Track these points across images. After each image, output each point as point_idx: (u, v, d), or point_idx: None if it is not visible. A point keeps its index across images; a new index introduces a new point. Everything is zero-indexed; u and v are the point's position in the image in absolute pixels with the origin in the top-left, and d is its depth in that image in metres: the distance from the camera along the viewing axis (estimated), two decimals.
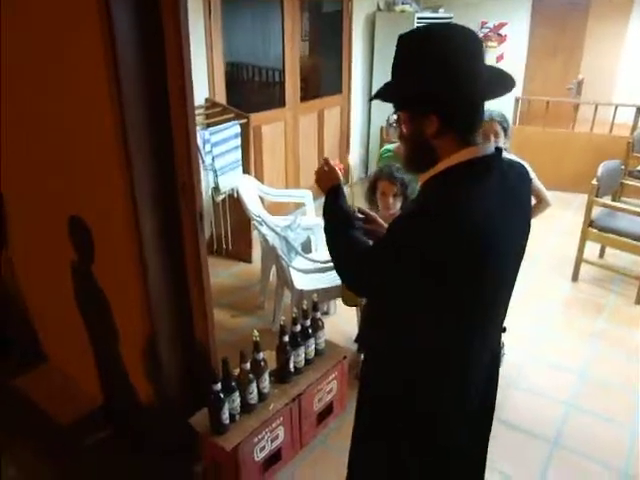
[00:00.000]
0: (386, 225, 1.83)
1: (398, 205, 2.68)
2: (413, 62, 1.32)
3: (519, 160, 1.49)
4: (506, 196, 1.35)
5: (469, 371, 1.50)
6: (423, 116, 1.32)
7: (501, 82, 1.36)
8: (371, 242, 1.57)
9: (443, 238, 1.24)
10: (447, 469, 1.66)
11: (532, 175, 2.91)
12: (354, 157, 6.53)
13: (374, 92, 1.41)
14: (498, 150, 1.38)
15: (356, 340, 3.25)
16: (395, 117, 1.56)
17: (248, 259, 4.66)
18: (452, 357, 1.45)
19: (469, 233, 1.24)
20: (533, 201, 2.94)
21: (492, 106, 2.92)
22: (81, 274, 2.47)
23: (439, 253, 1.25)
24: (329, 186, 1.69)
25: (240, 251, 4.67)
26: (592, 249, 4.53)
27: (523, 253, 1.50)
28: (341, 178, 1.72)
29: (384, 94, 1.39)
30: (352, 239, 1.55)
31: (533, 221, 1.54)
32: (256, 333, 2.37)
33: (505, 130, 2.86)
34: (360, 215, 1.78)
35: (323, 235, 1.66)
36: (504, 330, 1.64)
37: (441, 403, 1.51)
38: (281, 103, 5.32)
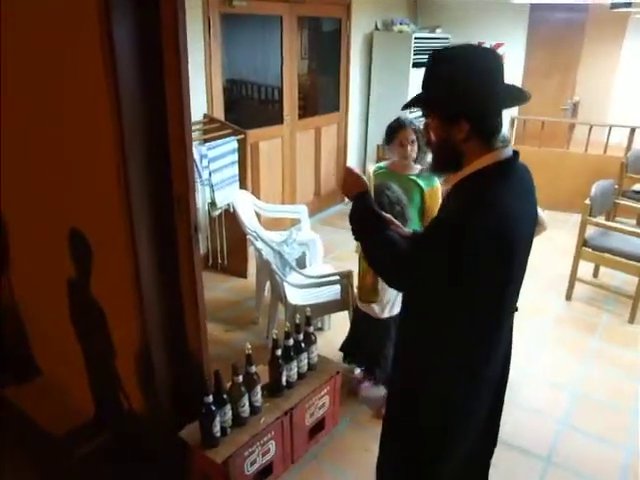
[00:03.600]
0: (402, 227, 2.05)
1: None
2: (448, 74, 1.47)
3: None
4: (524, 195, 1.55)
5: (493, 350, 1.66)
6: (454, 122, 1.47)
7: (519, 93, 1.56)
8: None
9: (482, 234, 1.39)
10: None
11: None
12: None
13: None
14: (516, 153, 1.55)
15: (341, 349, 3.25)
16: (422, 125, 1.67)
17: (243, 274, 4.67)
18: (481, 347, 1.61)
19: (502, 229, 1.41)
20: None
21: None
22: (78, 288, 2.48)
23: (478, 248, 1.40)
24: (356, 192, 1.77)
25: (235, 266, 4.68)
26: (586, 268, 4.55)
27: (531, 247, 1.65)
28: (367, 184, 1.80)
29: (420, 102, 1.56)
30: (393, 238, 1.65)
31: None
32: (249, 346, 2.37)
33: (518, 154, 2.90)
34: None
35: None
36: (517, 309, 1.76)
37: (474, 382, 1.65)
38: (279, 120, 5.36)
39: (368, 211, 1.74)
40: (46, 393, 2.90)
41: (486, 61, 1.48)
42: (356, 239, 1.77)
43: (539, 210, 2.95)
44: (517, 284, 1.65)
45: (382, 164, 3.09)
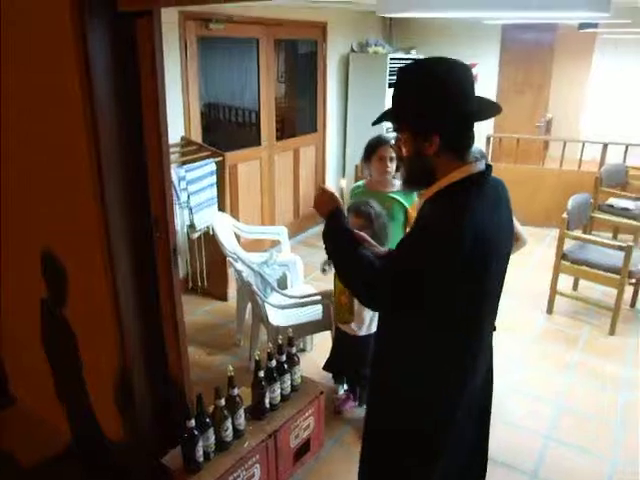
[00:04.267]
0: (376, 245, 2.05)
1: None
2: (417, 89, 1.47)
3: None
4: (497, 206, 1.53)
5: (476, 362, 1.63)
6: (425, 136, 1.46)
7: (490, 106, 1.56)
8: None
9: (460, 243, 1.38)
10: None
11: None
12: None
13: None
14: (488, 167, 1.53)
15: (325, 368, 3.23)
16: (393, 140, 1.66)
17: (224, 297, 4.62)
18: (458, 362, 1.59)
19: (480, 237, 1.40)
20: None
21: None
22: (50, 313, 2.43)
23: (456, 256, 1.38)
24: (329, 210, 1.74)
25: (216, 289, 4.64)
26: (566, 282, 4.60)
27: (508, 261, 1.64)
28: (341, 202, 1.78)
29: (390, 116, 1.55)
30: (365, 256, 1.60)
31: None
32: (231, 368, 2.34)
33: (491, 167, 2.94)
34: None
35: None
36: (494, 329, 1.75)
37: (455, 395, 1.61)
38: (257, 142, 5.37)
39: (341, 229, 1.70)
40: (19, 422, 2.83)
41: (455, 74, 1.46)
42: (329, 258, 1.74)
43: (517, 225, 2.99)
44: (494, 299, 1.64)
45: (360, 183, 3.10)
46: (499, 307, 1.72)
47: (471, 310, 1.53)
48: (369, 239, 1.99)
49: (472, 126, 1.51)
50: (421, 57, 6.35)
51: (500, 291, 1.66)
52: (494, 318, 1.72)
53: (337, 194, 1.79)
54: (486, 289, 1.54)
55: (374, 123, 1.63)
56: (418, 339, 1.58)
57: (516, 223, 2.97)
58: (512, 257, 1.67)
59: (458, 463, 1.77)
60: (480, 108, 1.51)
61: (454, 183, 1.48)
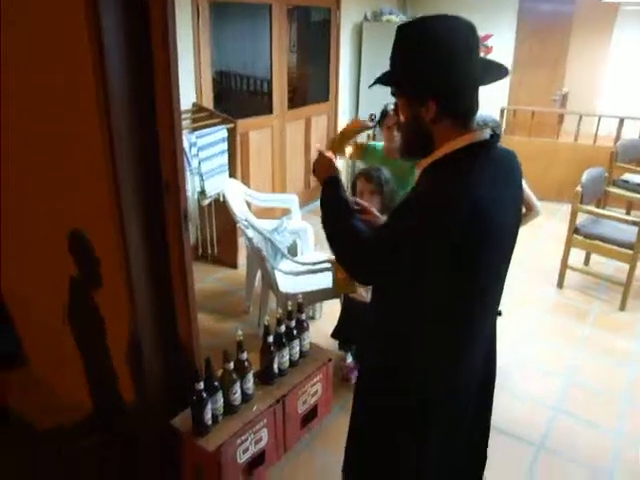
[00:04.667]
0: (381, 216, 1.88)
1: (376, 204, 2.65)
2: (412, 49, 1.37)
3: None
4: (502, 180, 1.41)
5: (470, 350, 1.53)
6: (421, 101, 1.36)
7: (495, 69, 1.43)
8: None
9: (446, 220, 1.27)
10: (446, 462, 1.66)
11: (522, 182, 2.94)
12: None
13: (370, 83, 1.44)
14: (493, 136, 1.43)
15: (333, 335, 3.24)
16: (392, 106, 1.56)
17: (234, 264, 4.63)
18: (451, 338, 1.47)
19: (471, 215, 1.27)
20: (523, 209, 2.99)
21: (483, 112, 2.97)
22: (80, 291, 2.40)
23: (442, 234, 1.28)
24: (326, 176, 1.67)
25: (226, 256, 4.64)
26: (577, 256, 4.56)
27: (515, 239, 1.53)
28: (338, 169, 1.71)
29: (384, 79, 1.43)
30: (355, 226, 1.53)
31: (520, 229, 1.58)
32: (240, 332, 2.34)
33: (497, 136, 2.91)
34: (356, 207, 1.78)
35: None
36: (499, 314, 1.67)
37: (437, 388, 1.51)
38: (268, 110, 5.32)
39: (334, 198, 1.62)
40: (31, 385, 2.85)
41: (457, 34, 1.33)
42: (323, 227, 1.62)
43: (530, 194, 2.96)
44: (493, 286, 1.51)
45: (378, 145, 3.06)
46: (505, 284, 1.58)
47: (463, 296, 1.41)
48: (374, 210, 1.88)
49: (475, 91, 1.38)
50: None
51: (504, 275, 1.54)
52: (496, 305, 1.60)
53: (335, 161, 1.72)
54: (483, 273, 1.40)
55: (370, 86, 1.54)
56: (408, 324, 1.49)
57: (528, 192, 2.96)
58: (523, 229, 1.59)
59: (456, 444, 1.67)
60: (485, 70, 1.38)
61: (453, 152, 1.37)
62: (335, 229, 1.58)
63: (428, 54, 1.33)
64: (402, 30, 1.39)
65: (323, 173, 1.69)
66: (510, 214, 1.45)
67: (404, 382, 1.53)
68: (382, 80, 1.43)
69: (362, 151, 3.16)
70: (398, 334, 1.53)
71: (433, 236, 1.29)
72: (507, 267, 1.53)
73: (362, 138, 5.36)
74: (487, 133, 1.41)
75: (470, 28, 1.35)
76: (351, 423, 1.83)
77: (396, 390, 1.54)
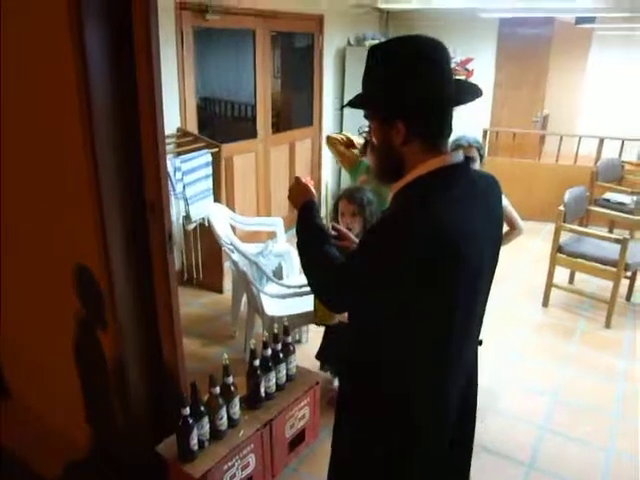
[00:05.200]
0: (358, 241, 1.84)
1: (357, 226, 2.64)
2: (380, 70, 1.34)
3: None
4: (476, 204, 1.36)
5: (447, 380, 1.47)
6: (390, 124, 1.33)
7: (469, 90, 1.40)
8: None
9: (414, 244, 1.23)
10: None
11: (505, 201, 2.96)
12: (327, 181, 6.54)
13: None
14: (467, 159, 1.40)
15: (317, 356, 3.22)
16: (366, 128, 1.55)
17: (219, 289, 4.61)
18: (430, 363, 1.42)
19: (440, 239, 1.23)
20: (505, 228, 3.00)
21: (468, 133, 2.99)
22: (87, 328, 2.36)
23: (411, 259, 1.24)
24: (302, 202, 1.66)
25: (211, 281, 4.62)
26: (562, 275, 4.59)
27: (496, 263, 1.50)
28: (314, 194, 1.70)
29: (353, 102, 1.41)
30: (327, 254, 1.51)
31: (503, 248, 1.54)
32: (226, 356, 2.32)
33: (481, 157, 2.96)
34: (333, 232, 1.77)
35: (295, 261, 1.63)
36: (480, 343, 1.63)
37: (421, 414, 1.47)
38: (253, 135, 5.35)
39: (309, 224, 1.60)
40: (21, 421, 2.78)
41: (427, 55, 1.30)
42: (298, 253, 1.61)
43: (514, 214, 2.99)
44: (470, 314, 1.45)
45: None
46: (491, 303, 1.56)
47: (439, 319, 1.35)
48: (351, 236, 1.84)
49: (446, 112, 1.35)
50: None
51: (484, 296, 1.50)
52: (478, 326, 1.55)
53: (319, 186, 1.72)
54: (459, 296, 1.34)
55: (340, 108, 1.53)
56: (384, 349, 1.45)
57: (511, 209, 2.99)
58: (507, 249, 1.56)
59: (439, 466, 1.59)
60: (459, 91, 1.36)
61: (423, 176, 1.33)
62: (307, 256, 1.56)
63: (393, 74, 1.31)
64: (371, 51, 1.38)
65: (299, 198, 1.68)
66: (486, 236, 1.40)
67: (383, 405, 1.49)
68: (353, 102, 1.41)
69: (355, 164, 3.17)
70: (374, 360, 1.49)
71: (397, 262, 1.26)
72: (488, 288, 1.51)
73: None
74: (460, 156, 1.38)
75: (439, 48, 1.33)
76: (333, 444, 1.79)
77: (376, 413, 1.51)
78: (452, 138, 3.08)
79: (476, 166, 2.89)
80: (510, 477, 2.71)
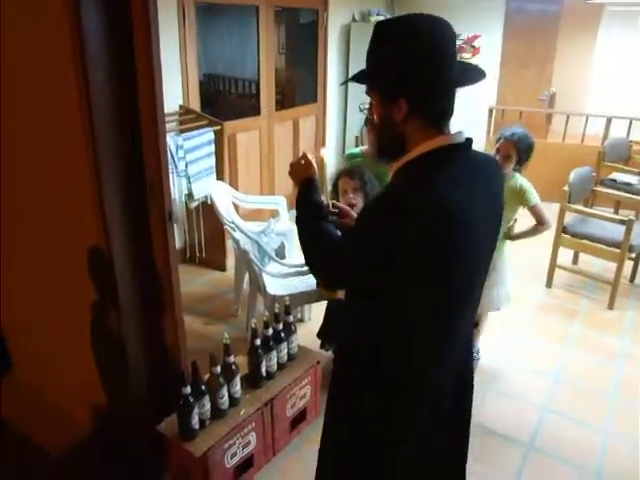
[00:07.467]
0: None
1: (359, 201, 2.63)
2: (384, 46, 1.35)
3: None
4: (477, 185, 1.36)
5: (443, 358, 1.48)
6: (392, 100, 1.33)
7: (472, 71, 1.41)
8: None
9: (412, 223, 1.22)
10: (425, 472, 1.63)
11: (536, 199, 2.98)
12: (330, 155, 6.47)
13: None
14: (469, 140, 1.39)
15: (318, 335, 3.22)
16: (367, 105, 1.54)
17: (222, 267, 4.61)
18: (430, 338, 1.43)
19: (438, 218, 1.23)
20: (534, 222, 3.14)
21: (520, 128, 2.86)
22: (102, 315, 2.35)
23: (408, 239, 1.24)
24: (302, 178, 1.66)
25: (214, 259, 4.62)
26: (566, 256, 4.58)
27: (495, 245, 1.50)
28: (316, 171, 1.69)
29: (357, 77, 1.42)
30: (324, 231, 1.52)
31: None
32: (226, 335, 2.32)
33: (520, 159, 2.88)
34: (334, 210, 1.76)
35: (297, 240, 1.62)
36: (476, 325, 1.63)
37: (416, 386, 1.48)
38: (256, 112, 5.31)
39: (308, 200, 1.61)
40: (23, 394, 2.80)
41: (430, 32, 1.31)
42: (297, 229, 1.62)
43: (542, 210, 2.99)
44: (468, 293, 1.46)
45: (357, 150, 3.05)
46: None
47: (440, 294, 1.35)
48: (353, 213, 1.79)
49: (449, 92, 1.36)
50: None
51: (476, 291, 1.50)
52: (477, 300, 1.55)
53: (315, 163, 1.71)
54: (454, 284, 1.35)
55: (342, 83, 1.53)
56: (383, 325, 1.45)
57: (541, 207, 3.01)
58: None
59: (436, 442, 1.61)
60: (460, 73, 1.36)
61: (425, 154, 1.33)
62: (307, 231, 1.57)
63: (398, 51, 1.31)
64: (377, 28, 1.38)
65: (301, 174, 1.68)
66: (486, 216, 1.40)
67: (381, 381, 1.49)
68: (356, 78, 1.43)
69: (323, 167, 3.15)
70: (374, 335, 1.49)
71: (392, 241, 1.26)
72: (485, 270, 1.50)
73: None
74: (462, 137, 1.38)
75: (446, 28, 1.33)
76: (326, 421, 1.79)
77: (373, 390, 1.51)
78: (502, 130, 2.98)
79: (509, 167, 2.88)
80: (509, 456, 2.73)
